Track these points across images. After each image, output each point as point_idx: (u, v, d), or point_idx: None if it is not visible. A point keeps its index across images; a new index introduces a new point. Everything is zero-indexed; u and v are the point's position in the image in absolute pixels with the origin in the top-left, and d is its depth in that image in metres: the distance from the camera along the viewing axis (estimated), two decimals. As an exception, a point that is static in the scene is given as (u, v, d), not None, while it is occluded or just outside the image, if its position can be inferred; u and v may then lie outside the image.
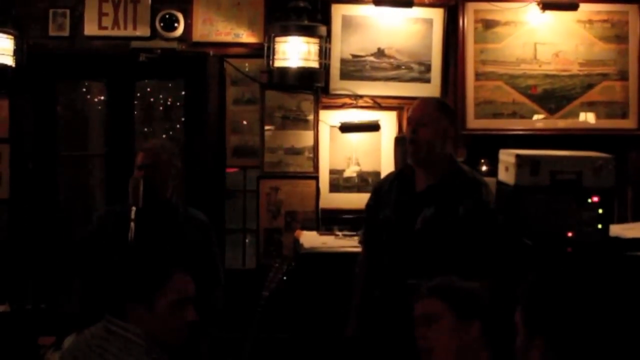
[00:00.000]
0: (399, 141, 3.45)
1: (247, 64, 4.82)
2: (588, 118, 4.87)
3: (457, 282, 2.42)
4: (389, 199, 3.46)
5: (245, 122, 4.85)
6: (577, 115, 4.87)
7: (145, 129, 6.02)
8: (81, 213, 5.36)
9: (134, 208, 3.31)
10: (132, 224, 3.29)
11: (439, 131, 3.37)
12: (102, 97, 5.38)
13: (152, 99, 6.03)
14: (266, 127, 4.80)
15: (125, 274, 2.54)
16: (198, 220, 3.69)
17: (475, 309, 2.31)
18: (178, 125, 5.10)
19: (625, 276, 3.92)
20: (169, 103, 6.05)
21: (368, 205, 3.63)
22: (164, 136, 6.06)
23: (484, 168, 4.60)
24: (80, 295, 3.66)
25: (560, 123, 4.86)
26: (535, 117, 4.86)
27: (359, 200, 4.65)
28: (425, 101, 3.60)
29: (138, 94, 5.34)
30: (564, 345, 1.65)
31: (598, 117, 4.87)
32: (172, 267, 2.49)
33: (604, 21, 4.86)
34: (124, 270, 2.58)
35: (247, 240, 4.92)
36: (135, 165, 3.56)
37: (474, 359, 2.25)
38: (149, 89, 5.92)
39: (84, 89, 5.71)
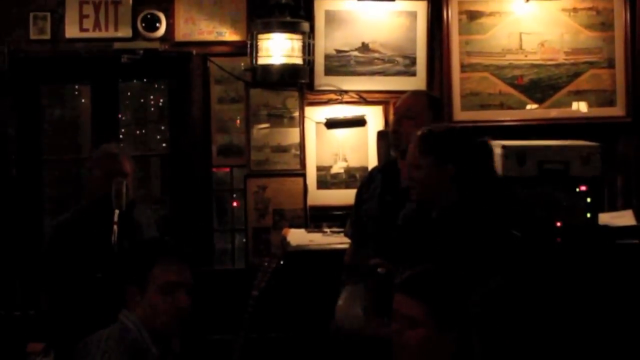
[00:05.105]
0: (382, 135, 3.41)
1: (232, 63, 4.78)
2: (580, 107, 4.84)
3: (439, 278, 2.33)
4: (373, 193, 3.42)
5: (230, 121, 4.82)
6: (565, 105, 4.84)
7: (138, 132, 5.97)
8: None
9: (117, 211, 3.28)
10: (115, 227, 3.26)
11: (423, 125, 3.30)
12: (87, 100, 5.33)
13: (142, 100, 5.98)
14: (252, 126, 4.77)
15: (122, 259, 2.74)
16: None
17: (457, 319, 2.24)
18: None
19: (613, 264, 3.91)
20: (160, 104, 6.00)
21: (355, 198, 3.61)
22: (158, 137, 6.00)
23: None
24: (47, 309, 3.64)
25: (548, 113, 4.83)
26: (529, 107, 4.82)
27: (347, 196, 4.61)
28: (414, 94, 3.58)
29: (129, 93, 5.28)
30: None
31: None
32: (161, 252, 2.59)
33: (589, 9, 4.83)
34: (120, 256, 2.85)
35: (235, 240, 4.89)
36: (102, 172, 3.47)
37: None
38: (138, 90, 5.87)
39: (70, 92, 5.66)
